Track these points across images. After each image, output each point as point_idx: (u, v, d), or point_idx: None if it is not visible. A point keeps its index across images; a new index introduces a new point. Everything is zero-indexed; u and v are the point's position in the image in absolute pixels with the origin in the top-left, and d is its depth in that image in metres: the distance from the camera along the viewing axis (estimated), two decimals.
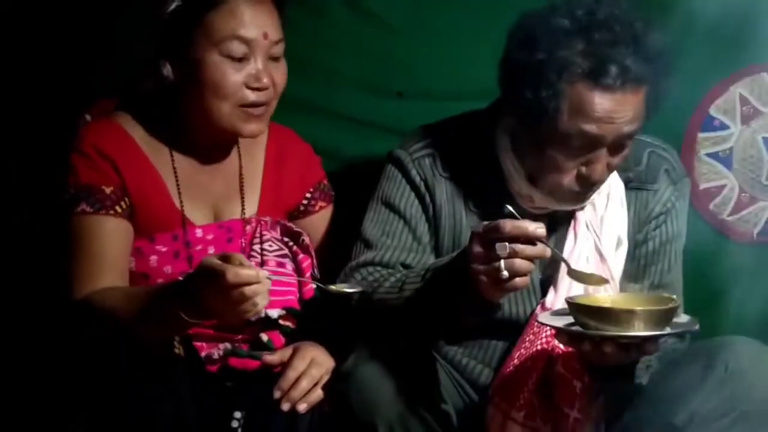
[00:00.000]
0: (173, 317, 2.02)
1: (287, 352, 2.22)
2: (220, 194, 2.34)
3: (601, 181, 2.16)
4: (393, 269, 2.22)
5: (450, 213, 2.27)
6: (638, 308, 1.94)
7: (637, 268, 2.28)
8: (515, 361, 2.19)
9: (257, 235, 2.34)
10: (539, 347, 2.17)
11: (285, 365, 2.20)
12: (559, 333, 2.00)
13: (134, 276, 2.26)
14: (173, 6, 2.22)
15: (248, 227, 2.34)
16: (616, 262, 2.23)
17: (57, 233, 2.25)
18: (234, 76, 2.20)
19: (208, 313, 2.01)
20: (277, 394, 2.16)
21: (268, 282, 1.95)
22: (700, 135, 2.63)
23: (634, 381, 2.14)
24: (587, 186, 2.13)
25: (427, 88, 2.65)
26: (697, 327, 2.00)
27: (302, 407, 2.16)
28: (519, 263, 1.92)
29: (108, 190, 2.23)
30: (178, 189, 2.29)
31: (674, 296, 2.05)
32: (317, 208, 2.45)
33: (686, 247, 2.36)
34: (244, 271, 1.92)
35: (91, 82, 2.63)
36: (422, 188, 2.27)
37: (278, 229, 2.38)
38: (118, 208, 2.23)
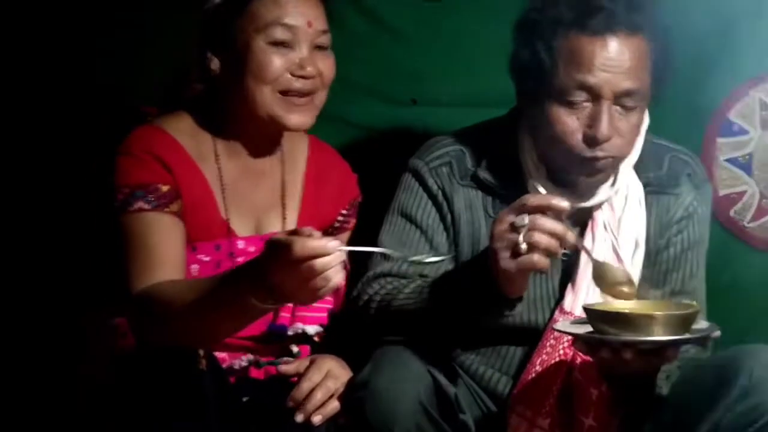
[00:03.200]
0: (242, 303, 1.90)
1: (304, 363, 2.19)
2: (262, 205, 2.32)
3: (609, 144, 2.11)
4: (410, 279, 2.21)
5: (469, 221, 2.26)
6: (658, 313, 1.92)
7: (658, 274, 2.26)
8: (537, 367, 2.18)
9: None
10: (561, 352, 2.16)
11: (300, 376, 2.17)
12: (577, 341, 1.99)
13: None
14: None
15: None
16: (633, 265, 2.21)
17: (58, 235, 2.23)
18: (277, 61, 2.20)
19: (280, 295, 1.87)
20: (290, 405, 2.14)
21: (340, 254, 1.80)
22: (719, 140, 2.61)
23: (654, 391, 2.12)
24: (594, 145, 2.11)
25: (441, 96, 2.65)
26: (718, 333, 1.98)
27: (317, 419, 2.13)
28: (538, 236, 1.93)
29: (164, 189, 2.19)
30: (224, 198, 2.27)
31: (694, 302, 2.04)
32: (350, 225, 2.44)
33: (706, 254, 2.32)
34: (312, 242, 1.79)
35: (92, 83, 2.65)
36: (440, 197, 2.27)
37: None
38: (174, 206, 2.19)
